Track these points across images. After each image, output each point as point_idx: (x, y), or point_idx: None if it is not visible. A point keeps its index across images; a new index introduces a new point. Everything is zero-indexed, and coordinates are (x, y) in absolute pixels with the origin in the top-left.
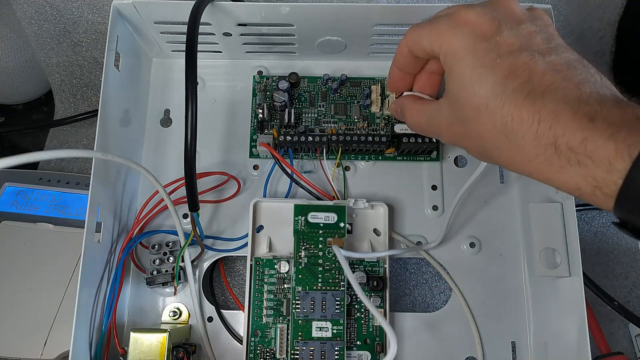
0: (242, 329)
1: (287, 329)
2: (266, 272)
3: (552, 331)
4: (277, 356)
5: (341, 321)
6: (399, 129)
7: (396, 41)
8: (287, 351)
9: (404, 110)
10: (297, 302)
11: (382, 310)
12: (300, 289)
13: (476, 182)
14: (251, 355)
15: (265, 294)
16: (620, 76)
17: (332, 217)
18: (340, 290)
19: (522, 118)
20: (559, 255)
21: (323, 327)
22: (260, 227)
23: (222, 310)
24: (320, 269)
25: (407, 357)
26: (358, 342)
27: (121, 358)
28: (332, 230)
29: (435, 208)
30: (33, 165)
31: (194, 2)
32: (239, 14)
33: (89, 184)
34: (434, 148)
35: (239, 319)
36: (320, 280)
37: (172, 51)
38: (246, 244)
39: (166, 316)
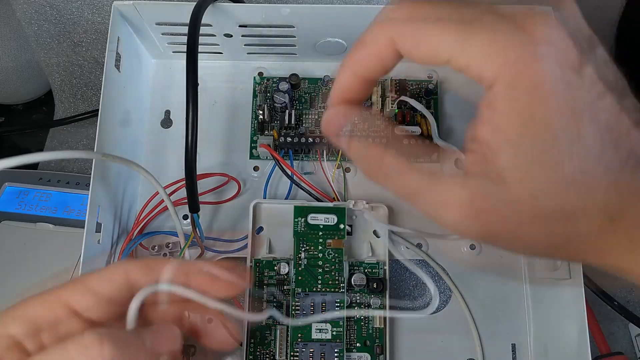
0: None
1: (287, 330)
2: (266, 274)
3: (552, 333)
4: (277, 358)
5: (341, 323)
6: (399, 130)
7: None
8: (286, 353)
9: (388, 174)
10: (296, 303)
11: (381, 311)
12: (299, 290)
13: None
14: (250, 357)
15: (265, 296)
16: None
17: (331, 219)
18: (340, 292)
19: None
20: None
21: (322, 329)
22: (260, 229)
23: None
24: (320, 270)
25: (407, 358)
26: (358, 344)
27: None
28: (332, 232)
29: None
30: (33, 165)
31: (195, 3)
32: (240, 15)
33: (89, 184)
34: (435, 150)
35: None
36: (320, 282)
37: (173, 52)
38: (246, 245)
39: None
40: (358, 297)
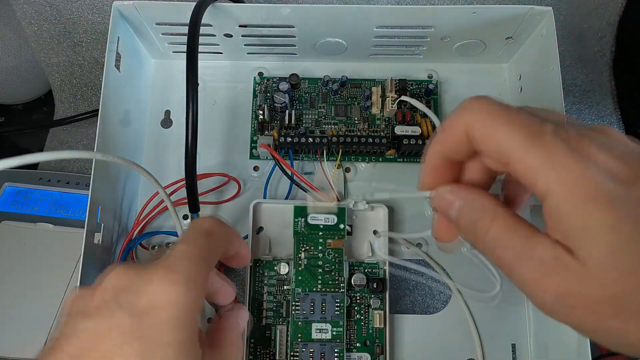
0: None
1: (287, 330)
2: (266, 274)
3: (552, 332)
4: (277, 358)
5: (341, 323)
6: (399, 130)
7: (397, 42)
8: (286, 353)
9: (492, 244)
10: (296, 303)
11: (382, 311)
12: (300, 290)
13: None
14: (251, 357)
15: (264, 296)
16: (620, 76)
17: (331, 219)
18: (340, 292)
19: None
20: None
21: (322, 329)
22: (261, 229)
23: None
24: (320, 270)
25: (407, 358)
26: (358, 344)
27: None
28: (332, 232)
29: (435, 210)
30: (33, 165)
31: (195, 3)
32: (240, 15)
33: (89, 184)
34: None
35: None
36: (320, 282)
37: (173, 52)
38: None
39: None
40: (358, 297)
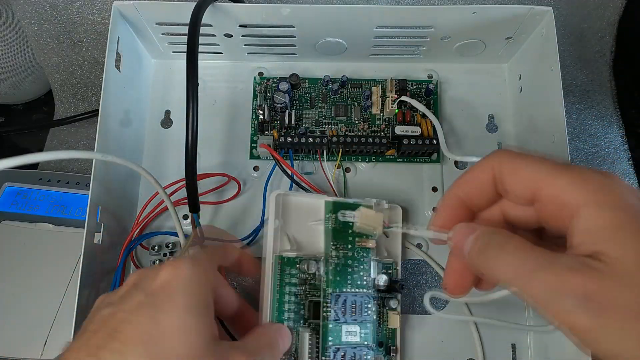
0: None
1: (311, 334)
2: (287, 272)
3: (552, 333)
4: None
5: (369, 325)
6: (399, 130)
7: (397, 42)
8: (316, 359)
9: (511, 258)
10: (328, 304)
11: (397, 312)
12: (331, 290)
13: None
14: None
15: (286, 296)
16: (621, 76)
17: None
18: (369, 292)
19: None
20: None
21: (352, 331)
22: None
23: None
24: (350, 270)
25: (407, 358)
26: (373, 345)
27: None
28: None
29: (435, 210)
30: (33, 165)
31: (195, 3)
32: (240, 16)
33: (89, 184)
34: (435, 150)
35: None
36: (349, 282)
37: (173, 52)
38: (249, 243)
39: None
40: (376, 298)
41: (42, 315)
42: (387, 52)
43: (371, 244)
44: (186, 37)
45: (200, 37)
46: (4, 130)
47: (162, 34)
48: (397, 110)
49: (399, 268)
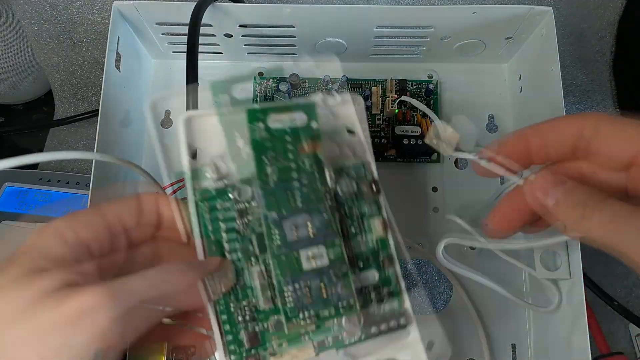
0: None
1: (266, 270)
2: (219, 207)
3: (552, 333)
4: (262, 308)
5: (337, 241)
6: (399, 130)
7: (397, 43)
8: (273, 299)
9: (608, 214)
10: (273, 232)
11: (382, 219)
12: (274, 214)
13: (476, 184)
14: (226, 321)
15: (224, 235)
16: (621, 76)
17: (300, 119)
18: (327, 205)
19: None
20: (559, 258)
21: (316, 255)
22: (195, 154)
23: None
24: (297, 184)
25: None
26: (360, 263)
27: None
28: (303, 135)
29: (435, 210)
30: (33, 165)
31: (195, 3)
32: (240, 15)
33: (89, 184)
34: (435, 150)
35: None
36: (298, 198)
37: (173, 52)
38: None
39: (166, 317)
40: (347, 209)
41: None
42: (387, 52)
43: (320, 148)
44: (186, 37)
45: (200, 37)
46: (4, 130)
47: (162, 34)
48: (397, 110)
49: (373, 169)
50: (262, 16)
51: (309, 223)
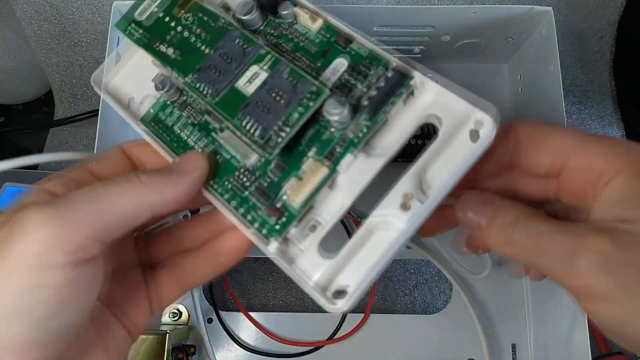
0: (242, 331)
1: (219, 128)
2: (163, 117)
3: (552, 332)
4: (249, 165)
5: (263, 51)
6: None
7: (397, 42)
8: (251, 146)
9: (533, 230)
10: (199, 88)
11: (307, 10)
12: (190, 75)
13: None
14: (230, 198)
15: (184, 134)
16: (621, 76)
17: None
18: (231, 31)
19: None
20: None
21: (253, 75)
22: (131, 100)
23: (220, 312)
24: (193, 38)
25: (407, 358)
26: (317, 64)
27: None
28: (168, 3)
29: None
30: (33, 166)
31: None
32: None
33: None
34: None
35: (238, 320)
36: (202, 45)
37: None
38: None
39: (166, 317)
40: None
41: None
42: (387, 52)
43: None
44: None
45: None
46: (4, 130)
47: None
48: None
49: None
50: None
51: (225, 57)
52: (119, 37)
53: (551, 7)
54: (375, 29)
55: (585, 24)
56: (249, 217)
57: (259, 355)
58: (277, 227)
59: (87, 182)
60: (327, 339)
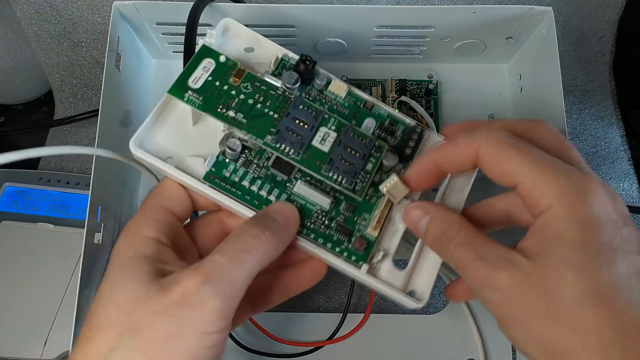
0: (241, 331)
1: (301, 175)
2: (226, 172)
3: None
4: (326, 208)
5: (326, 115)
6: None
7: (397, 43)
8: (329, 193)
9: (456, 250)
10: (279, 148)
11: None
12: (269, 137)
13: (477, 183)
14: (323, 241)
15: (257, 190)
16: (620, 76)
17: (209, 64)
18: (296, 96)
19: None
20: None
21: (325, 135)
22: (171, 159)
23: None
24: (257, 103)
25: (407, 358)
26: (353, 122)
27: None
28: (222, 72)
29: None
30: (33, 165)
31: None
32: (240, 15)
33: (89, 184)
34: None
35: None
36: (267, 110)
37: (173, 52)
38: None
39: None
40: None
41: (42, 315)
42: (387, 52)
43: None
44: None
45: (198, 37)
46: (4, 130)
47: (162, 34)
48: (397, 110)
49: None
50: (262, 16)
51: (297, 120)
52: (118, 37)
53: (551, 7)
54: (375, 29)
55: (585, 24)
56: (337, 250)
57: (258, 355)
58: (364, 254)
59: (169, 223)
60: (327, 339)
